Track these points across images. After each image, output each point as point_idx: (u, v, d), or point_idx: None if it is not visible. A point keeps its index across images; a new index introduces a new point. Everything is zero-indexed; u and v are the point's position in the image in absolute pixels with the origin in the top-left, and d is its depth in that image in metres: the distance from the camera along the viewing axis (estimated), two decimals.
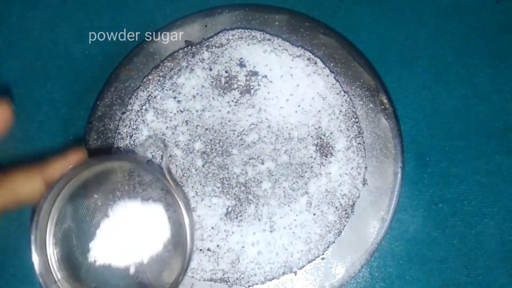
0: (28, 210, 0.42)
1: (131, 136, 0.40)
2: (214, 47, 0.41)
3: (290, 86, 0.40)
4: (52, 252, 0.33)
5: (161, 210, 0.35)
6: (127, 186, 0.37)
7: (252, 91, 0.40)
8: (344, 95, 0.40)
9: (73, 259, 0.34)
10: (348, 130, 0.39)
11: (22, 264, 0.41)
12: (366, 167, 0.39)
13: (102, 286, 0.35)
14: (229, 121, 0.40)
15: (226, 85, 0.40)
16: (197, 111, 0.40)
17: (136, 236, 0.34)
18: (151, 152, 0.39)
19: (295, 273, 0.38)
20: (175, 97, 0.40)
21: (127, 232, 0.34)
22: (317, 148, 0.39)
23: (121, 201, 0.35)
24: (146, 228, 0.34)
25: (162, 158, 0.36)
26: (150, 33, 0.42)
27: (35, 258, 0.32)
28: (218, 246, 0.39)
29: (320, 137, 0.39)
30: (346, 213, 0.39)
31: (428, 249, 0.40)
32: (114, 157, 0.38)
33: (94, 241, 0.34)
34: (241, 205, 0.39)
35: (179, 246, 0.34)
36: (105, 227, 0.34)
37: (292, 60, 0.40)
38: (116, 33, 0.44)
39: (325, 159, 0.39)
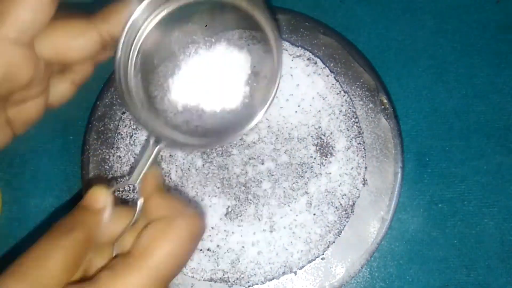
0: (27, 213, 0.42)
1: (131, 136, 0.40)
2: None
3: (290, 86, 0.40)
4: (134, 83, 0.29)
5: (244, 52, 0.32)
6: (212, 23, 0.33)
7: None
8: (344, 95, 0.40)
9: (152, 95, 0.31)
10: (348, 130, 0.39)
11: None
12: (366, 167, 0.39)
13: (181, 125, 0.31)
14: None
15: None
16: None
17: (213, 79, 0.31)
18: None
19: (295, 273, 0.38)
20: None
21: (204, 76, 0.31)
22: (317, 148, 0.39)
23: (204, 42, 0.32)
24: (223, 71, 0.31)
25: None
26: None
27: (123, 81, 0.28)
28: (218, 246, 0.39)
29: (320, 137, 0.39)
30: (346, 213, 0.39)
31: (428, 249, 0.40)
32: None
33: (174, 79, 0.31)
34: (241, 205, 0.39)
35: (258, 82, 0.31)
36: (186, 68, 0.31)
37: (292, 60, 0.40)
38: None
39: (325, 159, 0.39)
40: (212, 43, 0.32)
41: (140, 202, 0.27)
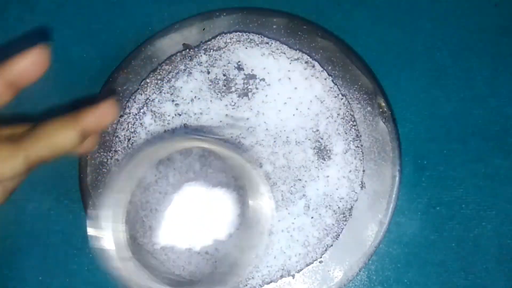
0: (24, 214, 0.42)
1: (129, 140, 0.40)
2: (212, 50, 0.41)
3: (288, 89, 0.40)
4: (123, 230, 0.32)
5: (228, 194, 0.34)
6: (197, 169, 0.37)
7: (250, 94, 0.40)
8: (342, 98, 0.40)
9: (137, 240, 0.33)
10: (346, 133, 0.39)
11: (19, 266, 0.41)
12: (364, 170, 0.39)
13: (167, 266, 0.35)
14: (227, 124, 0.40)
15: (224, 88, 0.40)
16: (195, 114, 0.40)
17: (203, 220, 0.33)
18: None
19: (293, 276, 0.38)
20: (173, 100, 0.40)
21: (194, 216, 0.33)
22: (315, 151, 0.39)
23: (189, 184, 0.34)
24: (213, 213, 0.33)
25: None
26: (148, 36, 0.42)
27: (111, 232, 0.30)
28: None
29: (318, 140, 0.39)
30: (344, 216, 0.39)
31: (426, 252, 0.40)
32: (190, 136, 0.37)
33: (160, 222, 0.33)
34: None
35: (249, 228, 0.33)
36: (172, 210, 0.33)
37: (290, 63, 0.40)
38: (114, 36, 0.44)
39: (323, 162, 0.39)
40: (201, 188, 0.35)
41: None
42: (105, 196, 0.31)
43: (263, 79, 0.40)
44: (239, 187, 0.35)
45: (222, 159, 0.39)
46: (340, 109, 0.40)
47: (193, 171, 0.39)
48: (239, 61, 0.41)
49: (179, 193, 0.33)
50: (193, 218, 0.33)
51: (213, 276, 0.33)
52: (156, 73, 0.41)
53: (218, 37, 0.41)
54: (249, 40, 0.41)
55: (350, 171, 0.39)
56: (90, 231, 0.30)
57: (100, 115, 0.31)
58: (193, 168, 0.40)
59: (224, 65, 0.41)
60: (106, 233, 0.30)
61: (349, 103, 0.40)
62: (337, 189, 0.39)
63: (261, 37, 0.41)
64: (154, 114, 0.40)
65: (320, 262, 0.38)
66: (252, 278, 0.38)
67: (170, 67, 0.41)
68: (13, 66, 0.30)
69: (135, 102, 0.41)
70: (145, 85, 0.41)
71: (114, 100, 0.31)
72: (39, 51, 0.30)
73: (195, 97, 0.40)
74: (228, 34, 0.41)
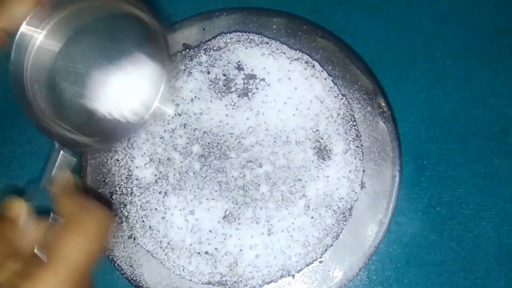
0: None
1: (128, 139, 0.40)
2: (212, 50, 0.41)
3: (288, 89, 0.40)
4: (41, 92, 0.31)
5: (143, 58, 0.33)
6: (197, 169, 0.38)
7: (250, 94, 0.40)
8: (342, 98, 0.40)
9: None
10: (346, 133, 0.39)
11: None
12: (364, 170, 0.39)
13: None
14: (227, 124, 0.40)
15: (224, 88, 0.40)
16: (195, 114, 0.40)
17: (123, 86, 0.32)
18: None
19: (293, 276, 0.38)
20: (173, 100, 0.40)
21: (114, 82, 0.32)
22: (315, 151, 0.39)
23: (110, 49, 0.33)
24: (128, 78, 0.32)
25: None
26: None
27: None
28: (216, 249, 0.39)
29: (318, 140, 0.39)
30: (344, 216, 0.39)
31: (426, 252, 0.40)
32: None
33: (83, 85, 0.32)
34: (239, 208, 0.39)
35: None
36: (95, 73, 0.32)
37: (290, 63, 0.40)
38: None
39: (323, 162, 0.39)
40: (108, 48, 0.33)
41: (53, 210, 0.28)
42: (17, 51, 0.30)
43: (263, 79, 0.40)
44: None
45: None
46: (340, 109, 0.40)
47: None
48: (239, 61, 0.41)
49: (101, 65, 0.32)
50: (99, 82, 0.32)
51: None
52: None
53: (218, 37, 0.41)
54: (249, 40, 0.41)
55: (350, 171, 0.39)
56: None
57: None
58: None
59: (224, 65, 0.41)
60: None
61: (349, 103, 0.40)
62: (337, 189, 0.39)
63: (261, 37, 0.41)
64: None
65: (320, 262, 0.38)
66: (252, 278, 0.38)
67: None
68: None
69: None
70: None
71: None
72: None
73: (195, 97, 0.40)
74: (228, 34, 0.41)
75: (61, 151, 0.30)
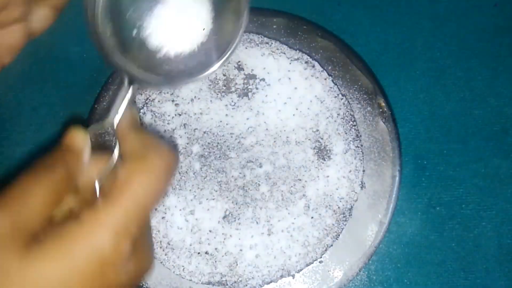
0: None
1: None
2: None
3: (288, 89, 0.40)
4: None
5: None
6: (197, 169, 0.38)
7: (250, 94, 0.40)
8: (342, 98, 0.40)
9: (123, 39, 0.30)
10: (346, 133, 0.39)
11: None
12: (364, 170, 0.39)
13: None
14: (227, 124, 0.40)
15: (224, 88, 0.40)
16: (195, 114, 0.40)
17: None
18: None
19: (293, 276, 0.38)
20: (173, 100, 0.40)
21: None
22: (315, 151, 0.39)
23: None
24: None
25: None
26: None
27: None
28: (216, 249, 0.39)
29: (318, 140, 0.39)
30: (344, 216, 0.39)
31: (426, 252, 0.40)
32: None
33: (142, 23, 0.31)
34: (239, 208, 0.39)
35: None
36: (154, 11, 0.32)
37: (290, 63, 0.40)
38: None
39: (323, 162, 0.39)
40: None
41: (117, 146, 0.27)
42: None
43: (263, 79, 0.40)
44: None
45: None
46: (340, 109, 0.40)
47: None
48: (239, 61, 0.41)
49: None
50: (170, 22, 0.31)
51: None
52: None
53: None
54: (249, 40, 0.41)
55: (350, 171, 0.39)
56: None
57: None
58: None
59: (224, 65, 0.41)
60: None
61: (349, 103, 0.40)
62: (337, 189, 0.39)
63: (261, 37, 0.41)
64: (154, 114, 0.40)
65: (320, 262, 0.38)
66: (252, 278, 0.38)
67: None
68: None
69: (135, 102, 0.41)
70: None
71: None
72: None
73: (195, 97, 0.40)
74: None
75: (131, 87, 0.28)
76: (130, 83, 0.29)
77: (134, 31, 0.30)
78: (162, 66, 0.30)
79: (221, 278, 0.38)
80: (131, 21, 0.30)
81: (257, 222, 0.39)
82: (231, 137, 0.40)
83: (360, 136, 0.40)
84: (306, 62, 0.40)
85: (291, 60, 0.40)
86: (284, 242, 0.38)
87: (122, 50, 0.30)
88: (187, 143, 0.40)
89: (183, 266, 0.39)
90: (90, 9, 0.29)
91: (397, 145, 0.39)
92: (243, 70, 0.41)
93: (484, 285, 0.39)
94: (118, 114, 0.28)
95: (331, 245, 0.38)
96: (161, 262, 0.39)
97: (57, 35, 0.45)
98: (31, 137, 0.43)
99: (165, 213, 0.39)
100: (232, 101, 0.40)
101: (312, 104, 0.40)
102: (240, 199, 0.39)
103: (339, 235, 0.39)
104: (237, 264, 0.38)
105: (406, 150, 0.41)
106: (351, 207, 0.39)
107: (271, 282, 0.38)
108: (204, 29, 0.31)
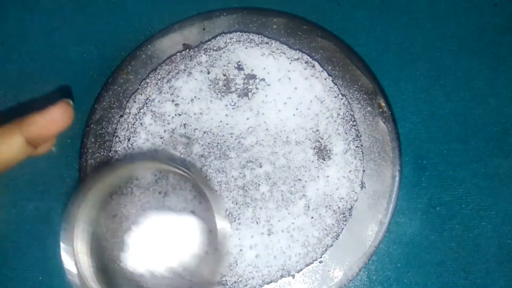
0: (24, 209, 0.42)
1: (129, 140, 0.40)
2: (212, 50, 0.41)
3: (288, 89, 0.40)
4: (86, 262, 0.32)
5: (190, 218, 0.35)
6: (152, 193, 0.37)
7: (250, 94, 0.40)
8: (342, 98, 0.40)
9: (105, 268, 0.33)
10: (346, 133, 0.39)
11: (19, 266, 0.41)
12: (364, 170, 0.39)
13: None
14: (227, 124, 0.40)
15: (224, 88, 0.40)
16: (195, 114, 0.40)
17: (166, 244, 0.34)
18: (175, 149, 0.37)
19: (293, 276, 0.38)
20: (173, 100, 0.40)
21: (157, 241, 0.33)
22: (315, 151, 0.39)
23: (148, 210, 0.34)
24: (175, 236, 0.34)
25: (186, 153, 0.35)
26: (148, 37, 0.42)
27: (70, 269, 0.30)
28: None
29: (318, 140, 0.39)
30: (344, 216, 0.39)
31: (426, 252, 0.40)
32: (139, 158, 0.36)
33: (125, 249, 0.33)
34: (239, 208, 0.39)
35: (211, 249, 0.33)
36: (135, 236, 0.33)
37: (290, 63, 0.40)
38: (114, 36, 0.44)
39: (323, 162, 0.39)
40: (162, 209, 0.35)
41: None
42: (66, 230, 0.30)
43: (263, 79, 0.40)
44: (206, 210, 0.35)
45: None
46: (340, 109, 0.40)
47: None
48: (239, 61, 0.41)
49: (144, 222, 0.33)
50: (159, 244, 0.33)
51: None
52: (156, 73, 0.41)
53: (218, 37, 0.41)
54: (249, 40, 0.41)
55: (350, 171, 0.39)
56: (65, 262, 0.30)
57: (48, 122, 0.30)
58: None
59: (224, 65, 0.41)
60: (71, 267, 0.30)
61: (349, 103, 0.40)
62: (337, 189, 0.39)
63: (261, 37, 0.41)
64: (154, 114, 0.40)
65: (320, 262, 0.38)
66: (252, 278, 0.38)
67: (170, 67, 0.41)
68: (34, 123, 0.30)
69: (135, 102, 0.41)
70: (145, 85, 0.41)
71: (67, 102, 0.30)
72: (61, 106, 0.30)
73: (195, 97, 0.40)
74: (228, 34, 0.41)
75: None
76: None
77: (120, 260, 0.33)
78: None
79: (221, 278, 0.38)
80: (116, 250, 0.33)
81: (257, 222, 0.39)
82: (231, 137, 0.40)
83: (360, 136, 0.40)
84: (306, 62, 0.40)
85: (291, 60, 0.40)
86: (284, 242, 0.38)
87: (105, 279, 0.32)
88: (187, 143, 0.40)
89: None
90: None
91: (397, 145, 0.39)
92: (243, 70, 0.41)
93: (484, 285, 0.39)
94: None
95: (331, 245, 0.38)
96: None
97: (57, 35, 0.45)
98: None
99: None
100: (232, 101, 0.40)
101: (312, 104, 0.40)
102: (240, 199, 0.39)
103: (339, 235, 0.39)
104: (237, 264, 0.38)
105: (406, 150, 0.41)
106: (351, 207, 0.39)
107: (271, 282, 0.38)
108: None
